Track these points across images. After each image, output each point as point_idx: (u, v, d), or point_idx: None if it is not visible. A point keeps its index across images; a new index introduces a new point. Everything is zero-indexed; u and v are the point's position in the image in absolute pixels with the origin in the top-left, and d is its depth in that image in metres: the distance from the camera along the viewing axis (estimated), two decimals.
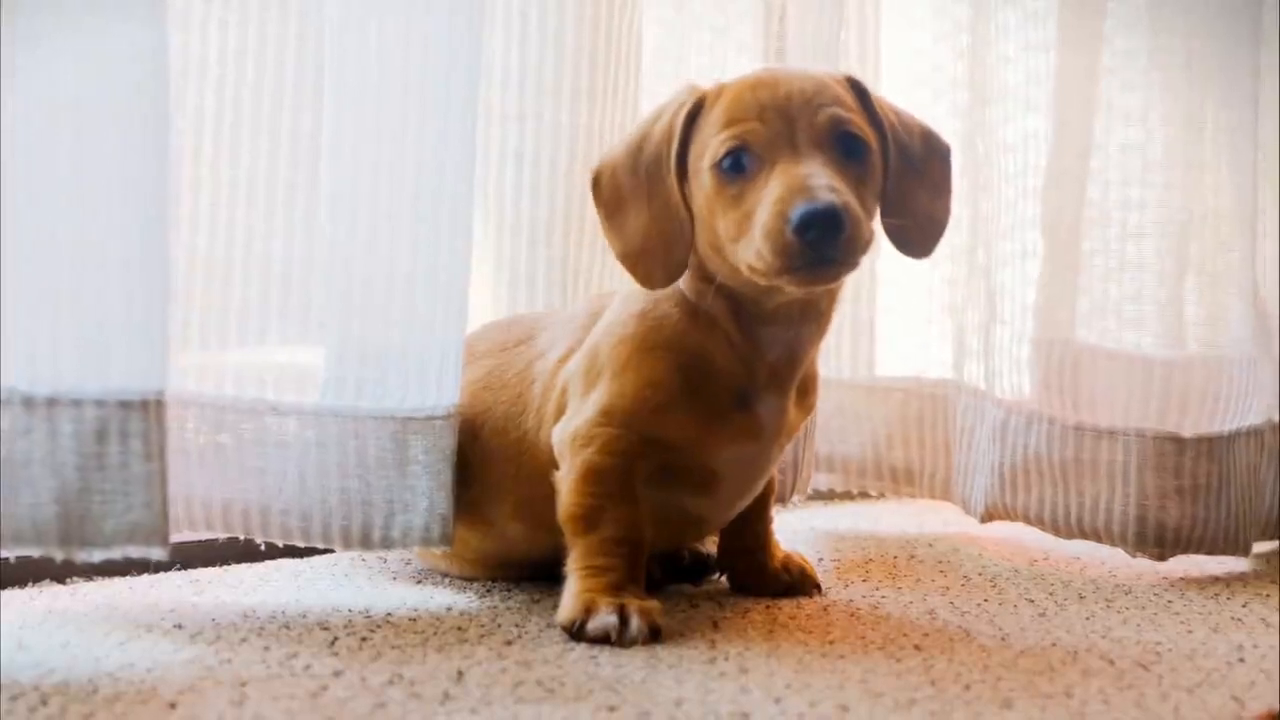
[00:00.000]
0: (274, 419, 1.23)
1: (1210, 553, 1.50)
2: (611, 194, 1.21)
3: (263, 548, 1.31)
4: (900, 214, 1.19)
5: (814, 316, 1.21)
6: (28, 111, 1.03)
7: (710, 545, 1.39)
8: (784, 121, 1.13)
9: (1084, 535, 1.51)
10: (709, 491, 1.23)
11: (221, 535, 1.26)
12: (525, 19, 1.44)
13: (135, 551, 1.06)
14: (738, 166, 1.13)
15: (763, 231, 1.09)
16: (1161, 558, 1.50)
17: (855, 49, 1.67)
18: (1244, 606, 1.33)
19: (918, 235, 1.21)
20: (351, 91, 1.22)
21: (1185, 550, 1.49)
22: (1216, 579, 1.46)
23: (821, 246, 1.07)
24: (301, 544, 1.25)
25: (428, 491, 1.24)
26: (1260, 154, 1.62)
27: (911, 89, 1.72)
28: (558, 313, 1.35)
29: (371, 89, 1.22)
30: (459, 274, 1.25)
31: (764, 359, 1.20)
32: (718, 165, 1.13)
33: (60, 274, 1.04)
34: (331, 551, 1.38)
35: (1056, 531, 1.53)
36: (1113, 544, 1.50)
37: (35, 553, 1.05)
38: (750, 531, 1.33)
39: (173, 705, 0.94)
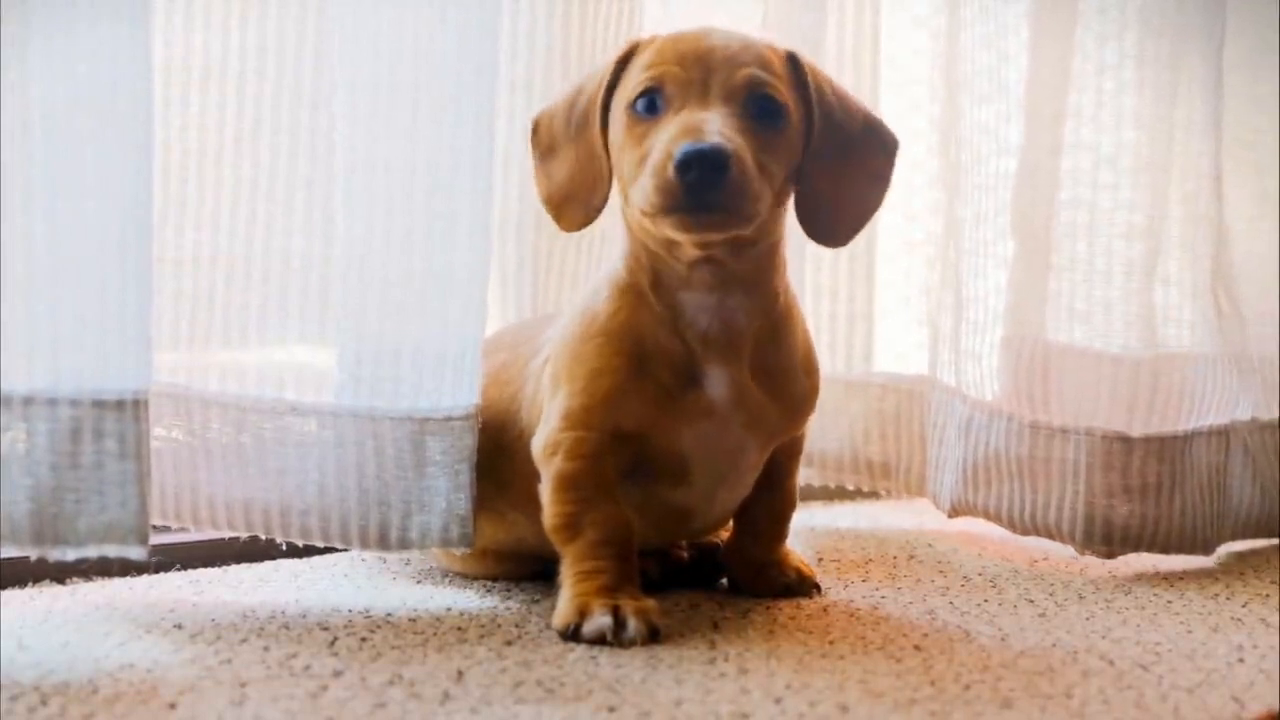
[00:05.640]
0: (295, 419, 1.24)
1: (1164, 551, 1.51)
2: (547, 140, 1.23)
3: (269, 543, 1.32)
4: (814, 193, 1.19)
5: (739, 284, 1.19)
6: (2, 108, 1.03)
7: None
8: (702, 71, 1.13)
9: (1038, 532, 1.52)
10: (684, 479, 1.22)
11: (244, 534, 1.27)
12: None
13: (112, 551, 1.06)
14: (651, 108, 1.14)
15: (650, 170, 1.10)
16: (1110, 555, 1.50)
17: (833, 45, 1.66)
18: (1244, 606, 1.33)
19: (831, 219, 1.21)
20: (365, 88, 1.22)
21: (1135, 549, 1.50)
22: (1216, 579, 1.46)
23: (701, 188, 1.07)
24: (321, 544, 1.26)
25: (445, 492, 1.24)
26: (1224, 152, 1.62)
27: (908, 86, 1.72)
28: (559, 314, 1.36)
29: (384, 85, 1.22)
30: (478, 272, 1.25)
31: (694, 328, 1.19)
32: (631, 105, 1.15)
33: (38, 273, 1.04)
34: (334, 551, 1.38)
35: (1013, 528, 1.54)
36: (1063, 541, 1.51)
37: (9, 551, 1.06)
38: (756, 534, 1.32)
39: (173, 705, 0.94)
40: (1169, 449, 1.51)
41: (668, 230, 1.13)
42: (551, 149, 1.23)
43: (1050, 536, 1.52)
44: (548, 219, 1.50)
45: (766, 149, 1.13)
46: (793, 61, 1.19)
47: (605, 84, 1.19)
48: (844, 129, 1.21)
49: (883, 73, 1.70)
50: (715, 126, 1.09)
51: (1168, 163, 1.55)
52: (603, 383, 1.18)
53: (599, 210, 1.20)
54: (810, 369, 1.27)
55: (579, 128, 1.21)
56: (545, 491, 1.20)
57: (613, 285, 1.21)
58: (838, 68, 1.66)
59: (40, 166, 1.04)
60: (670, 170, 1.08)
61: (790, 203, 1.21)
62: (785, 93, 1.16)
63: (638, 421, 1.19)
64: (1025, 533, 1.53)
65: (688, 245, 1.15)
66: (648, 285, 1.20)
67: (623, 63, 1.19)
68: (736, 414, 1.20)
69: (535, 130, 1.24)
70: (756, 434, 1.23)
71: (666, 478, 1.22)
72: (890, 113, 1.70)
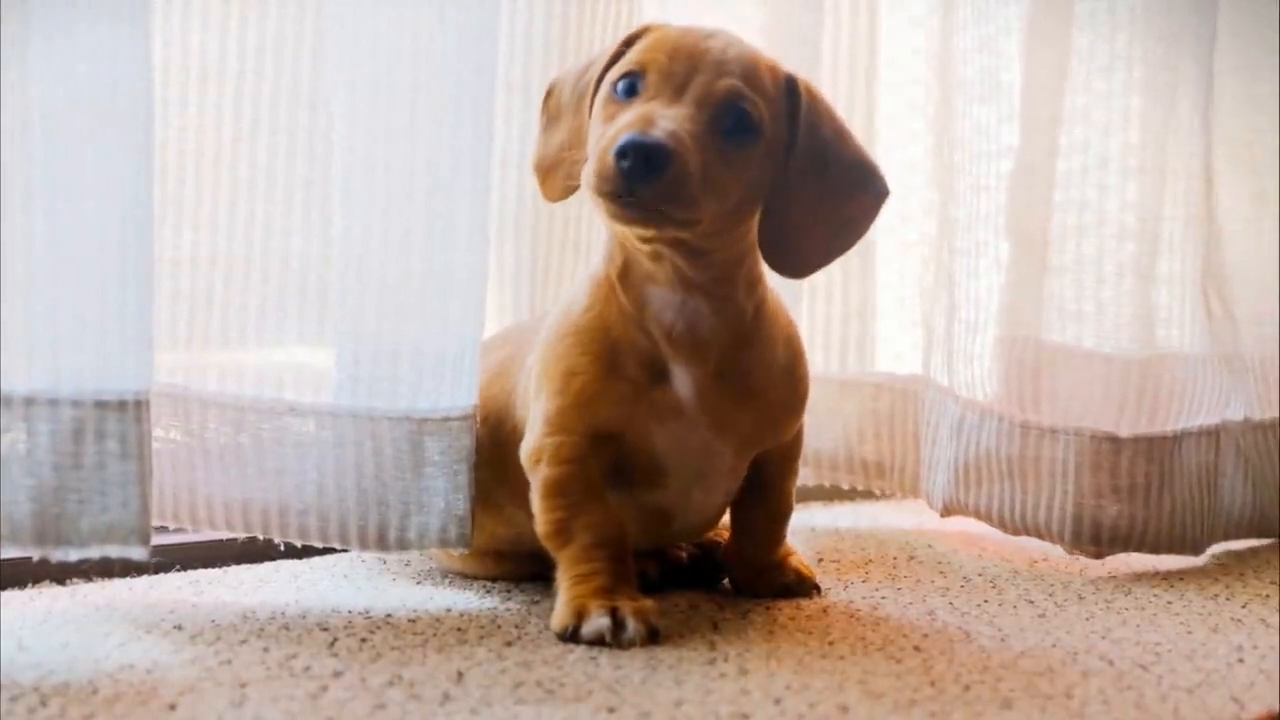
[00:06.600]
0: (293, 419, 1.24)
1: (1153, 551, 1.51)
2: (554, 107, 1.24)
3: (269, 544, 1.32)
4: (784, 220, 1.18)
5: (699, 290, 1.18)
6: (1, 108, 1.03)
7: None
8: (687, 68, 1.13)
9: (1028, 532, 1.53)
10: (660, 481, 1.22)
11: (243, 535, 1.27)
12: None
13: (114, 551, 1.06)
14: (629, 91, 1.14)
15: (597, 151, 1.10)
16: (1098, 555, 1.51)
17: (830, 46, 1.66)
18: (1244, 607, 1.34)
19: (796, 250, 1.20)
20: (363, 89, 1.22)
21: (1124, 549, 1.50)
22: (1216, 580, 1.46)
23: (633, 179, 1.07)
24: (319, 544, 1.26)
25: (444, 493, 1.24)
26: (1222, 152, 1.64)
27: (906, 87, 1.71)
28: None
29: (383, 85, 1.22)
30: (476, 272, 1.25)
31: (659, 324, 1.18)
32: (614, 84, 1.15)
33: (38, 273, 1.04)
34: (334, 552, 1.38)
35: (1004, 528, 1.54)
36: (1052, 541, 1.52)
37: (11, 551, 1.06)
38: (754, 537, 1.32)
39: (173, 706, 0.94)
40: (1158, 449, 1.51)
41: (601, 212, 1.12)
42: (556, 117, 1.23)
43: (1039, 536, 1.53)
44: (546, 221, 1.51)
45: (728, 162, 1.12)
46: (790, 85, 1.18)
47: (606, 62, 1.19)
48: (832, 165, 1.19)
49: (881, 74, 1.70)
50: (668, 124, 1.09)
51: (1161, 164, 1.55)
52: (576, 383, 1.19)
53: (576, 183, 1.19)
54: (793, 380, 1.26)
55: (578, 99, 1.21)
56: (535, 499, 1.20)
57: (591, 279, 1.22)
58: (834, 69, 1.67)
59: (40, 166, 1.04)
60: (610, 155, 1.07)
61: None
62: (765, 112, 1.14)
63: (612, 419, 1.19)
64: (1015, 532, 1.54)
65: (630, 235, 1.15)
66: (617, 277, 1.20)
67: (629, 43, 1.19)
68: (702, 416, 1.20)
69: (548, 95, 1.25)
70: (727, 439, 1.22)
71: (643, 479, 1.22)
72: (888, 114, 1.72)
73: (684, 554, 1.37)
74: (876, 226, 1.64)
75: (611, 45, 1.20)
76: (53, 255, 1.05)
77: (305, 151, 1.26)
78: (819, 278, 1.67)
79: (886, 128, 1.71)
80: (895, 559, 1.51)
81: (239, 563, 1.38)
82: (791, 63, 1.28)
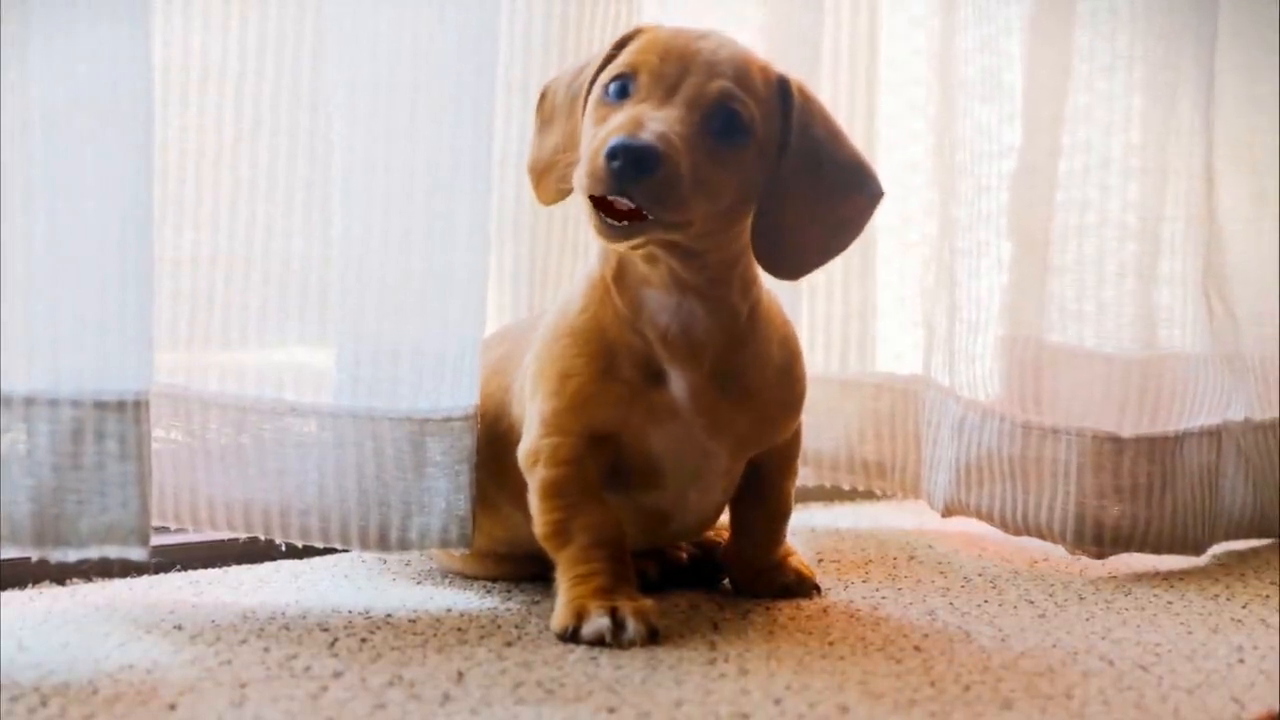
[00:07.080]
0: (294, 419, 1.24)
1: (1155, 551, 1.52)
2: (548, 110, 1.24)
3: (269, 544, 1.32)
4: (777, 221, 1.17)
5: (693, 292, 1.18)
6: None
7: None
8: (678, 70, 1.13)
9: (1029, 532, 1.53)
10: (656, 482, 1.22)
11: (244, 535, 1.27)
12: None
13: (113, 551, 1.06)
14: (621, 93, 1.14)
15: (588, 153, 1.10)
16: (1100, 556, 1.51)
17: (830, 46, 1.65)
18: (1244, 608, 1.33)
19: (790, 251, 1.19)
20: (364, 89, 1.22)
21: (1126, 549, 1.51)
22: (1217, 580, 1.46)
23: (624, 179, 1.06)
24: (321, 544, 1.26)
25: (445, 493, 1.24)
26: (1223, 152, 1.64)
27: (906, 87, 1.71)
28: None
29: (383, 86, 1.22)
30: (477, 272, 1.25)
31: (654, 326, 1.18)
32: (605, 86, 1.15)
33: (38, 273, 1.04)
34: (335, 552, 1.38)
35: (1005, 528, 1.54)
36: (1054, 541, 1.52)
37: (10, 551, 1.07)
38: (754, 537, 1.32)
39: (173, 706, 0.94)
40: (1160, 449, 1.52)
41: (589, 226, 1.12)
42: (550, 120, 1.23)
43: (1041, 537, 1.53)
44: (545, 221, 1.51)
45: (719, 163, 1.12)
46: (782, 85, 1.18)
47: (599, 64, 1.19)
48: (826, 165, 1.19)
49: (882, 74, 1.70)
50: (657, 126, 1.08)
51: (1162, 164, 1.55)
52: (571, 384, 1.19)
53: (570, 185, 1.19)
54: (790, 381, 1.26)
55: (571, 102, 1.21)
56: (532, 500, 1.20)
57: (587, 281, 1.22)
58: (835, 69, 1.67)
59: (40, 166, 1.04)
60: (601, 157, 1.07)
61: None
62: (756, 113, 1.14)
63: (609, 421, 1.19)
64: (1016, 533, 1.54)
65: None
66: (612, 279, 1.19)
67: (621, 45, 1.18)
68: (698, 417, 1.20)
69: (542, 99, 1.25)
70: (722, 440, 1.22)
71: (640, 480, 1.22)
72: (889, 114, 1.71)
73: (684, 554, 1.37)
74: (876, 226, 1.66)
75: (605, 47, 1.20)
76: (53, 255, 1.05)
77: (306, 152, 1.26)
78: (819, 278, 1.67)
79: (887, 128, 1.71)
80: (896, 559, 1.51)
81: (239, 563, 1.38)
82: (791, 63, 1.29)
